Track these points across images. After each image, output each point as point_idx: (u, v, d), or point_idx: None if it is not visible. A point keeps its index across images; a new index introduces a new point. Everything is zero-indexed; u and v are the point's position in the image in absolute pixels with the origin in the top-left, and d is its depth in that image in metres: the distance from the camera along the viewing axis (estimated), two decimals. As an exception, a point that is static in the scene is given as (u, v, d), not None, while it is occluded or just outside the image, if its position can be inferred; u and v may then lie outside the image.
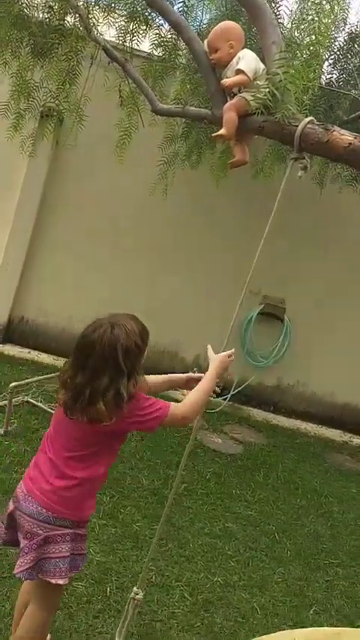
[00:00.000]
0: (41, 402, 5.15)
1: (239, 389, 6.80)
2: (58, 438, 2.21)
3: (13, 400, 4.63)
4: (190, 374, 2.60)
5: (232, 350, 2.49)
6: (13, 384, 4.58)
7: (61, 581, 2.17)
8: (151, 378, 2.44)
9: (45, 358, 6.55)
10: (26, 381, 5.05)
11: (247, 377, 6.91)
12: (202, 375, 2.43)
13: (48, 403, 5.15)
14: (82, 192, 6.59)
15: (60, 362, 6.46)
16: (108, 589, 3.07)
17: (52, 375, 5.32)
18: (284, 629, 2.89)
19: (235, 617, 3.15)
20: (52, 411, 5.01)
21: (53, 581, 2.16)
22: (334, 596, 3.59)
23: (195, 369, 6.80)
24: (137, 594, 2.58)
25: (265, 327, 6.90)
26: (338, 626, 3.12)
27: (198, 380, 2.42)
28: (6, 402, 4.58)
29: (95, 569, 3.22)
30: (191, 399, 2.26)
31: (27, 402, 5.11)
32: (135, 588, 2.60)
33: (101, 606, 2.95)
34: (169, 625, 2.96)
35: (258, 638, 2.14)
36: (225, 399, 6.60)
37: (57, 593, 2.32)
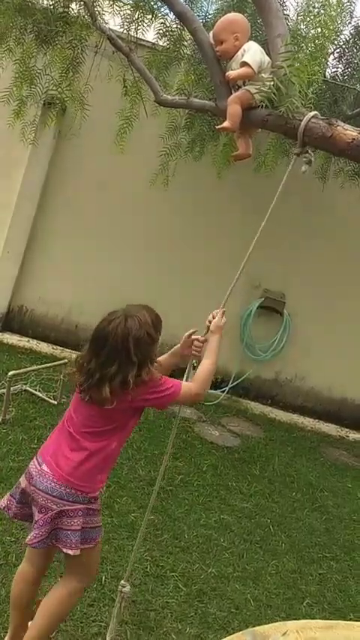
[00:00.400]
0: (39, 391, 5.16)
1: (237, 382, 6.81)
2: (77, 415, 2.34)
3: (12, 388, 4.64)
4: (186, 336, 2.61)
5: (223, 309, 2.56)
6: (12, 372, 4.59)
7: (70, 552, 2.25)
8: (161, 359, 2.52)
9: (44, 347, 6.55)
10: (25, 369, 5.06)
11: (246, 370, 6.92)
12: (201, 337, 2.54)
13: (46, 392, 5.16)
14: (83, 182, 6.57)
15: (58, 352, 6.50)
16: (103, 578, 3.09)
17: (51, 364, 5.34)
18: (277, 621, 2.90)
19: (229, 607, 3.18)
20: (50, 400, 5.04)
21: (64, 550, 2.26)
22: (327, 590, 3.61)
23: (194, 361, 6.82)
24: (124, 587, 2.59)
25: (265, 320, 6.91)
26: (331, 619, 3.14)
27: (192, 336, 2.56)
28: (4, 390, 4.58)
29: (90, 558, 3.23)
30: (201, 375, 2.39)
31: (25, 390, 5.12)
32: (122, 581, 2.61)
33: (96, 595, 2.97)
34: (163, 614, 2.99)
35: (251, 628, 2.15)
36: (223, 392, 6.61)
37: (78, 564, 2.36)
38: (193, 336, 2.58)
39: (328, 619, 3.17)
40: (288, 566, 3.74)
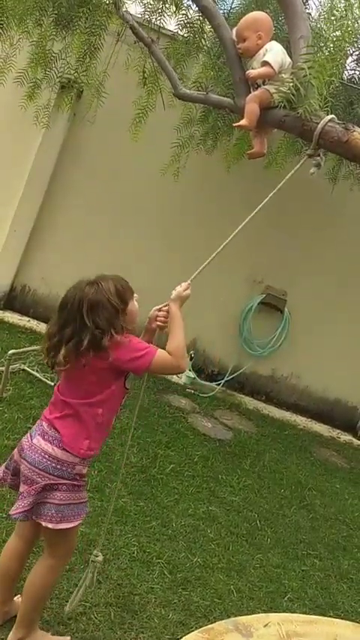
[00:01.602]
0: (37, 371, 5.20)
1: (233, 376, 6.86)
2: (62, 384, 2.43)
3: (10, 367, 4.68)
4: (153, 312, 2.60)
5: (188, 282, 2.55)
6: (12, 351, 4.63)
7: (50, 525, 2.28)
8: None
9: (44, 328, 6.56)
10: (24, 349, 5.10)
11: (243, 364, 6.97)
12: (162, 306, 2.53)
13: (43, 373, 5.20)
14: (94, 167, 6.58)
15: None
16: (90, 559, 3.14)
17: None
18: (258, 613, 2.97)
19: (212, 597, 3.24)
20: (48, 381, 5.08)
21: (43, 523, 2.29)
22: (309, 586, 3.67)
23: (192, 352, 6.87)
24: (97, 557, 2.62)
25: (265, 317, 6.95)
26: (311, 615, 3.20)
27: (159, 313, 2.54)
28: (2, 368, 4.62)
29: (79, 539, 3.27)
30: (173, 344, 2.37)
31: (23, 370, 5.16)
32: (95, 551, 2.64)
33: (83, 575, 3.02)
34: (147, 599, 3.04)
35: (234, 618, 2.20)
36: (219, 385, 6.66)
37: (60, 540, 2.40)
38: (154, 308, 2.59)
39: (308, 614, 3.23)
40: (272, 560, 3.80)
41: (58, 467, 2.30)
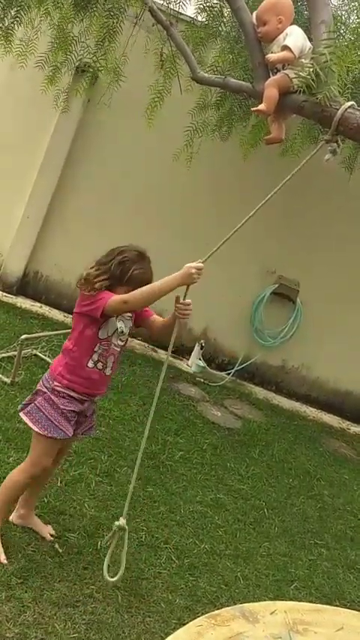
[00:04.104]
0: (49, 356, 5.21)
1: (244, 365, 6.85)
2: None
3: (22, 352, 4.69)
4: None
5: (201, 263, 2.60)
6: (24, 336, 4.64)
7: (21, 413, 2.85)
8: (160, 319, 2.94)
9: (56, 314, 6.59)
10: (37, 334, 5.12)
11: (253, 354, 6.95)
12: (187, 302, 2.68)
13: (55, 358, 5.21)
14: (108, 154, 6.54)
15: (70, 319, 6.50)
16: (99, 543, 3.16)
17: (62, 331, 5.38)
18: (265, 601, 2.97)
19: (219, 583, 3.25)
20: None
21: (22, 415, 2.85)
22: (315, 575, 3.68)
23: (202, 341, 6.87)
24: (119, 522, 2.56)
25: (277, 307, 6.91)
26: (317, 604, 3.21)
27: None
28: (15, 352, 4.64)
29: (88, 522, 3.31)
30: (134, 293, 2.62)
31: (35, 355, 5.18)
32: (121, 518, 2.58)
33: (91, 558, 3.04)
34: (154, 584, 3.06)
35: (240, 605, 2.21)
36: (229, 374, 6.65)
37: (37, 446, 2.85)
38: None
39: (314, 603, 3.24)
40: (279, 549, 3.80)
41: (47, 376, 2.85)
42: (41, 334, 5.17)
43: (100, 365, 2.82)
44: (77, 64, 5.02)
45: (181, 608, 2.95)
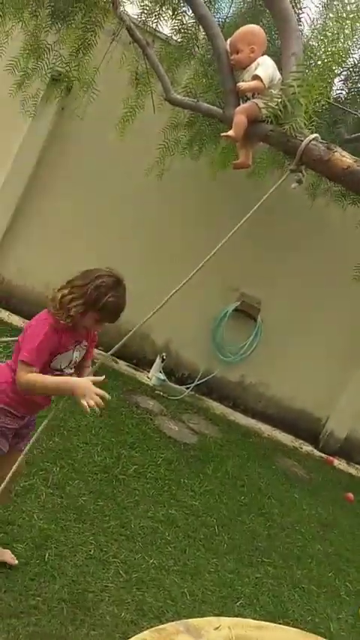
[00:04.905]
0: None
1: (203, 380, 6.90)
2: None
3: (-21, 358, 4.64)
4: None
5: (103, 377, 2.53)
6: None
7: None
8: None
9: (16, 320, 6.53)
10: (-6, 340, 5.06)
11: (213, 369, 7.02)
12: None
13: (13, 366, 5.16)
14: (79, 163, 6.54)
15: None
16: (47, 555, 3.15)
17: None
18: (210, 616, 3.00)
19: (165, 598, 3.27)
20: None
21: None
22: (261, 593, 3.73)
23: (164, 353, 6.90)
24: None
25: (239, 324, 7.00)
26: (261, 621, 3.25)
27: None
28: (-28, 358, 4.58)
29: (37, 534, 3.29)
30: (38, 378, 2.51)
31: (-8, 361, 5.12)
32: None
33: (38, 570, 3.03)
34: (101, 597, 3.06)
35: (185, 620, 2.23)
36: (188, 388, 6.69)
37: None
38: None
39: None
40: (227, 566, 3.84)
41: None
42: (-1, 340, 5.12)
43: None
44: (51, 72, 5.03)
45: (127, 622, 2.96)
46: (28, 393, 2.56)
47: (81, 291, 2.56)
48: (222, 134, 2.78)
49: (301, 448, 6.96)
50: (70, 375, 2.72)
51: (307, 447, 7.05)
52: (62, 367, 2.68)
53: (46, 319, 2.60)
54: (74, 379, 2.54)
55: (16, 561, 2.95)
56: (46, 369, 2.60)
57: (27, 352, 2.52)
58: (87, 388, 2.40)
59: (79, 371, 2.79)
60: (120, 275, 2.67)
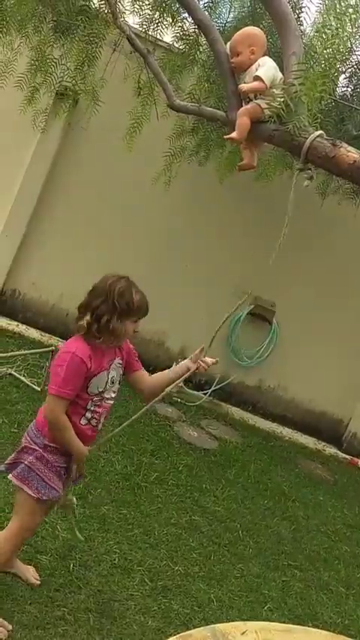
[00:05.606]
0: (24, 376, 5.19)
1: (221, 385, 6.88)
2: None
3: (-3, 372, 4.68)
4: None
5: (217, 359, 2.85)
6: (-1, 355, 4.63)
7: (12, 478, 2.61)
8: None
9: (33, 333, 6.58)
10: (11, 353, 5.11)
11: (230, 375, 6.99)
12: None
13: (30, 378, 5.20)
14: (88, 176, 6.60)
15: (46, 338, 6.52)
16: (71, 565, 3.15)
17: (38, 350, 5.38)
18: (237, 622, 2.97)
19: (192, 605, 3.24)
20: (34, 386, 5.07)
21: (13, 479, 2.62)
22: (288, 596, 3.69)
23: (180, 359, 6.87)
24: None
25: (254, 328, 6.98)
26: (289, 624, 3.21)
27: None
28: (-10, 373, 4.63)
29: (60, 545, 3.29)
30: (67, 424, 2.58)
31: (10, 374, 5.16)
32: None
33: (63, 581, 3.02)
34: (127, 606, 3.05)
35: (212, 625, 2.22)
36: (205, 394, 6.67)
37: (25, 505, 2.65)
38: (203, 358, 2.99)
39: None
40: (253, 570, 3.81)
41: (37, 432, 2.63)
42: (16, 353, 5.19)
43: (94, 422, 2.67)
44: (57, 87, 5.08)
45: (154, 630, 2.95)
46: (51, 428, 2.58)
47: (108, 307, 2.55)
48: (225, 136, 2.78)
49: (324, 450, 6.90)
50: (113, 398, 2.75)
51: (331, 449, 6.99)
52: (100, 390, 2.65)
53: (69, 351, 2.58)
54: (82, 448, 2.63)
55: (39, 581, 2.92)
56: (85, 395, 2.60)
57: (55, 385, 2.55)
58: (79, 460, 2.68)
59: (142, 386, 2.94)
60: (121, 274, 2.70)
